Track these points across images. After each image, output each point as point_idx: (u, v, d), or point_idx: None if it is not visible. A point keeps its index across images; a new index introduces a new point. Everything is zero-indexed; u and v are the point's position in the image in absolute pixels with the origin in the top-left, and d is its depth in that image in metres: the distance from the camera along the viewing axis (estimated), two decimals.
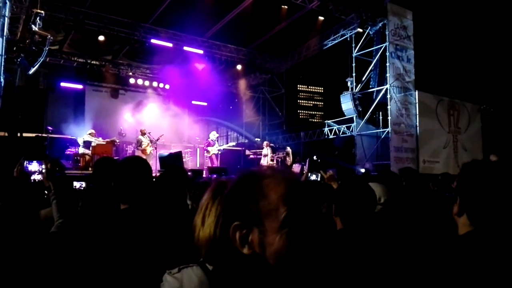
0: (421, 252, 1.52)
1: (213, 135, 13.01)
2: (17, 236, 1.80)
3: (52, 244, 1.99)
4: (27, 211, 1.93)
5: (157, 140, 11.82)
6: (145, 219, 1.70)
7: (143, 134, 11.79)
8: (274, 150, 13.61)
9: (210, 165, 12.23)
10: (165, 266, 1.13)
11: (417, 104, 14.06)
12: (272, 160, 13.43)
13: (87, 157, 10.97)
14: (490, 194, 1.32)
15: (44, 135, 11.50)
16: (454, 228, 1.47)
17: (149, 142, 11.76)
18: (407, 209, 2.36)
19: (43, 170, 2.37)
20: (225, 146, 13.53)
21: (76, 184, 3.54)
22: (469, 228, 1.36)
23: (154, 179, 2.26)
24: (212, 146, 12.51)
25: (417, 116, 14.04)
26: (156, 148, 11.98)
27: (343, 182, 2.33)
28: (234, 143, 14.44)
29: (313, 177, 3.64)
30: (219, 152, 12.51)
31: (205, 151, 12.78)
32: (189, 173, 10.23)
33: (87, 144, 11.06)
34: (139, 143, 11.75)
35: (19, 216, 1.87)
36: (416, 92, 14.09)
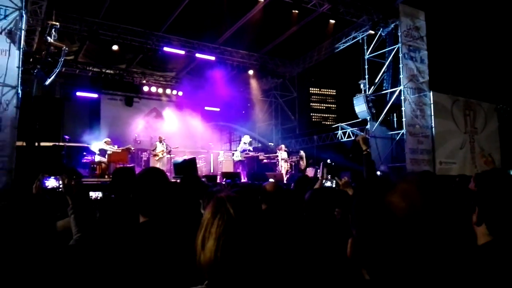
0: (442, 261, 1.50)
1: (246, 139, 13.00)
2: (34, 250, 1.84)
3: (70, 258, 2.02)
4: (44, 225, 1.97)
5: (171, 150, 12.34)
6: (165, 233, 1.71)
7: (160, 141, 12.32)
8: (288, 154, 13.58)
9: (239, 170, 12.40)
10: (182, 282, 1.11)
11: (432, 105, 13.88)
12: (286, 163, 13.42)
13: (103, 165, 11.12)
14: (509, 204, 1.30)
15: (61, 144, 11.70)
16: (474, 236, 1.45)
17: (163, 149, 11.98)
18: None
19: (61, 185, 2.41)
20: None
21: (92, 194, 3.57)
22: (488, 238, 1.34)
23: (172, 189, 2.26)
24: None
25: (432, 117, 13.85)
26: (170, 153, 12.17)
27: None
28: (262, 154, 14.38)
29: (328, 184, 3.62)
30: (244, 159, 12.59)
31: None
32: (203, 179, 10.31)
33: (102, 152, 11.24)
34: (153, 148, 12.45)
35: (36, 230, 1.90)
36: (431, 93, 13.92)
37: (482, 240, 1.36)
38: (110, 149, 11.32)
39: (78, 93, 15.14)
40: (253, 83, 17.78)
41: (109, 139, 11.72)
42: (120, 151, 11.49)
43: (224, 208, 1.14)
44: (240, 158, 12.54)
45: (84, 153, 12.39)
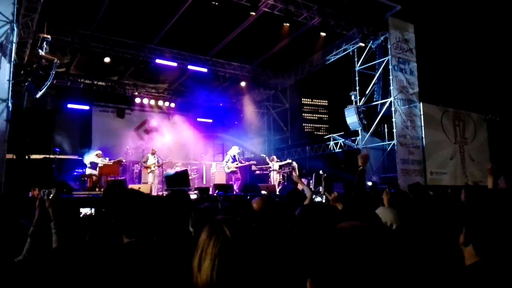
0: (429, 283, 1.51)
1: (234, 150, 12.91)
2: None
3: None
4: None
5: (163, 163, 12.18)
6: (149, 254, 1.70)
7: (153, 153, 12.14)
8: (280, 166, 13.61)
9: (232, 181, 12.29)
10: None
11: (422, 116, 14.04)
12: (278, 174, 13.44)
13: (94, 178, 11.03)
14: (496, 226, 1.32)
15: (51, 156, 11.58)
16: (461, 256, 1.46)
17: (155, 162, 11.89)
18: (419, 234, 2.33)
19: (46, 197, 2.31)
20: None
21: (83, 211, 3.51)
22: (475, 259, 1.35)
23: (158, 205, 2.24)
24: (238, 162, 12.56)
25: (423, 127, 14.01)
26: (162, 166, 12.08)
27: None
28: (254, 162, 14.33)
29: (318, 199, 3.63)
30: (236, 169, 12.52)
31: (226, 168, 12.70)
32: (195, 191, 10.24)
33: (93, 165, 11.14)
34: (145, 160, 12.20)
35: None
36: (421, 104, 14.09)
37: (470, 261, 1.37)
38: (101, 161, 11.24)
39: (70, 105, 15.01)
40: (245, 95, 17.85)
41: (100, 152, 11.64)
42: (111, 163, 11.40)
43: (220, 229, 1.17)
44: (232, 169, 12.48)
45: (75, 166, 12.29)
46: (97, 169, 11.05)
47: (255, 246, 1.18)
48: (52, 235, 2.08)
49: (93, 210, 3.61)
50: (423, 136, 13.99)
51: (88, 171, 11.23)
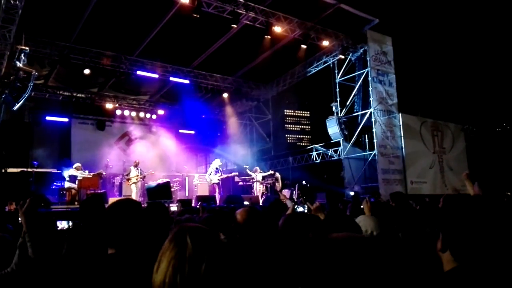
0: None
1: (217, 163, 12.87)
2: None
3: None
4: None
5: (145, 176, 12.07)
6: (133, 265, 1.67)
7: (135, 165, 11.99)
8: (264, 176, 13.62)
9: (213, 193, 12.20)
10: None
11: (401, 126, 14.32)
12: (261, 185, 13.43)
13: (73, 191, 10.78)
14: (472, 231, 1.34)
15: (29, 170, 11.29)
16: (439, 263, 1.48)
17: (137, 174, 11.74)
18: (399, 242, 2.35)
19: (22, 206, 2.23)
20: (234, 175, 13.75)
21: (60, 224, 3.43)
22: (453, 265, 1.37)
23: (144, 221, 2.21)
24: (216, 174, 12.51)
25: (402, 138, 14.27)
26: (144, 179, 11.92)
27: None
28: (236, 173, 14.34)
29: (300, 209, 3.65)
30: (219, 181, 12.45)
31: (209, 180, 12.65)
32: (177, 204, 10.13)
33: (72, 178, 10.90)
34: (127, 173, 12.07)
35: None
36: (400, 115, 14.38)
37: (448, 267, 1.39)
38: (81, 174, 11.00)
39: (48, 118, 14.72)
40: (228, 106, 17.87)
41: (79, 164, 11.40)
42: (91, 176, 11.18)
43: (182, 235, 1.20)
44: (215, 181, 12.42)
45: (54, 179, 12.01)
46: (76, 182, 10.81)
47: (218, 256, 1.19)
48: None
49: (70, 223, 3.53)
50: (403, 146, 14.24)
51: (67, 184, 10.98)
